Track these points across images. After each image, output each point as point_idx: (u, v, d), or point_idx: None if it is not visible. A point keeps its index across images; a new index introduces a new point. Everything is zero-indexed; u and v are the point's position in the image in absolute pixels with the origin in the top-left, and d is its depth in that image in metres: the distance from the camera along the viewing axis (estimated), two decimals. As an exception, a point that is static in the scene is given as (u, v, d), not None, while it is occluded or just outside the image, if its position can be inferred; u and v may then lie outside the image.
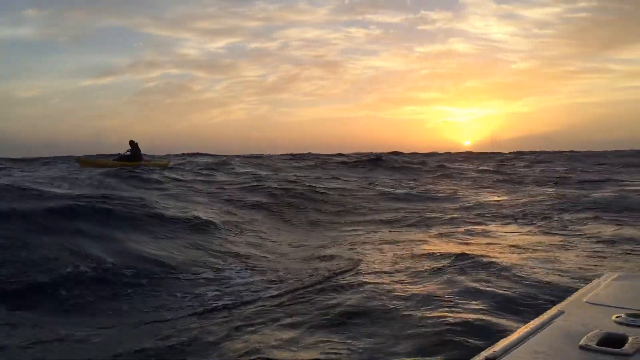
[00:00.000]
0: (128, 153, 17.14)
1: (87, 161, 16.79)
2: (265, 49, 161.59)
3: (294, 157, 39.39)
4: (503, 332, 2.92)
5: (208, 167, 19.57)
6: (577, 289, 1.79)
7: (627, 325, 1.42)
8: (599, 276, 1.94)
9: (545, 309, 1.57)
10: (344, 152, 52.11)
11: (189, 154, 43.65)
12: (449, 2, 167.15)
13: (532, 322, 1.45)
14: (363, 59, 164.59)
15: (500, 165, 31.19)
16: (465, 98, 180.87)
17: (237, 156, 37.94)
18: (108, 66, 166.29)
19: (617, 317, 1.46)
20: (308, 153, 49.01)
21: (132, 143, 17.17)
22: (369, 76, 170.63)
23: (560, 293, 3.56)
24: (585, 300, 1.66)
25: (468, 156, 54.70)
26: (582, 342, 1.28)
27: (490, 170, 25.20)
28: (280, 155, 48.89)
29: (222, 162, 24.00)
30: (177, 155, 40.51)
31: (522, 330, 1.38)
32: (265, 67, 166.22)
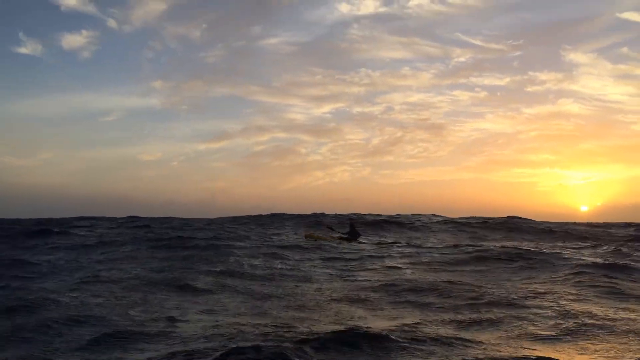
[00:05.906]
0: (347, 233, 18.58)
1: (313, 235, 19.00)
2: (369, 113, 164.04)
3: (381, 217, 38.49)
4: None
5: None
6: None
7: None
8: None
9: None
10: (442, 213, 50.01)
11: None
12: (558, 63, 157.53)
13: None
14: (468, 121, 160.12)
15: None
16: (580, 161, 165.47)
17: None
18: (221, 131, 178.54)
19: None
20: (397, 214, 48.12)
21: (351, 224, 19.04)
22: (474, 138, 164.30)
23: None
24: None
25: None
26: None
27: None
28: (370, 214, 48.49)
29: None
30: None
31: None
32: (369, 130, 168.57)
